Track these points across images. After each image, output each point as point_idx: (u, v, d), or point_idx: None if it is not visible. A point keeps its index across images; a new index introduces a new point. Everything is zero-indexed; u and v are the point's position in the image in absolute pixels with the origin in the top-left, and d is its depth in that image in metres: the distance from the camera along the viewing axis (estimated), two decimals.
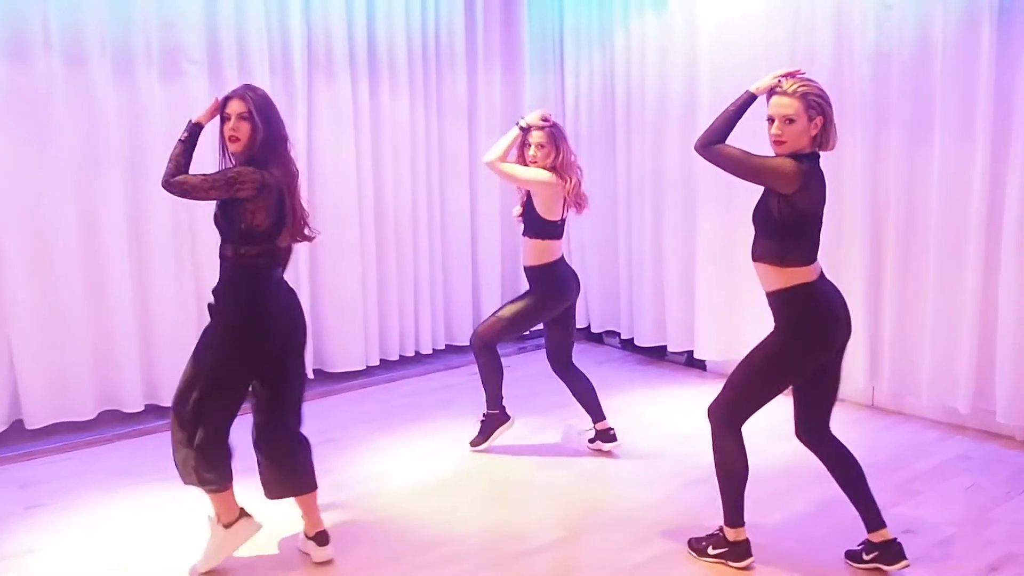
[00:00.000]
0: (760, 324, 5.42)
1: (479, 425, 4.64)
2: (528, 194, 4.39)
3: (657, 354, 6.29)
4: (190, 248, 5.25)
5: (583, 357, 6.43)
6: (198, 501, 3.89)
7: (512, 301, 4.59)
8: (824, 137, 3.14)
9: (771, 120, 3.12)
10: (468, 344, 6.33)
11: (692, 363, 6.09)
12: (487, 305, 6.59)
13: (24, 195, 4.73)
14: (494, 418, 4.61)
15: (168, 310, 5.20)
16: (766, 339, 3.28)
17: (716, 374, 5.89)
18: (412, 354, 6.31)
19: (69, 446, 4.80)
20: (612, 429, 4.61)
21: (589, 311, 6.81)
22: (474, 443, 4.62)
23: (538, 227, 4.38)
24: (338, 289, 5.85)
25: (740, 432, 3.34)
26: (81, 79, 4.81)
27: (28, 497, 4.14)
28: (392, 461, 4.55)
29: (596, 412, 4.60)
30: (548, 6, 6.70)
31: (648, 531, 3.71)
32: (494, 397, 4.58)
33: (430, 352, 6.36)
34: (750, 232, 5.43)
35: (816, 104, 3.08)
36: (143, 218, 5.11)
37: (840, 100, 5.00)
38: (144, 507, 4.04)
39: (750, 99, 3.23)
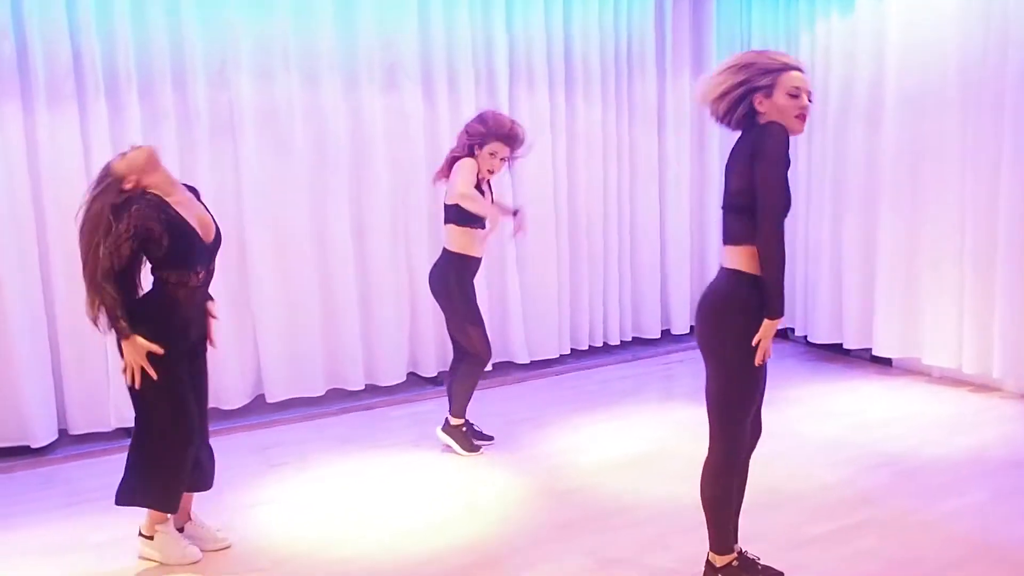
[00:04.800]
0: (941, 320, 5.51)
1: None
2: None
3: (842, 351, 6.37)
4: (405, 248, 5.86)
5: (774, 351, 6.62)
6: (401, 467, 4.56)
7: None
8: None
9: (797, 95, 2.92)
10: (652, 338, 6.68)
11: (877, 360, 6.14)
12: (675, 301, 6.91)
13: (267, 199, 5.44)
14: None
15: (386, 303, 5.82)
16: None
17: (903, 370, 5.95)
18: (601, 344, 6.70)
19: (302, 417, 5.50)
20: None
21: None
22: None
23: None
24: (535, 283, 6.32)
25: None
26: (313, 96, 5.49)
27: (271, 457, 4.82)
28: (584, 439, 4.95)
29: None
30: (736, 12, 6.91)
31: (824, 509, 3.93)
32: None
33: (618, 343, 6.73)
34: (935, 229, 5.50)
35: None
36: (365, 221, 5.75)
37: None
38: (361, 470, 4.63)
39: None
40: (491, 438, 4.91)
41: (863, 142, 5.93)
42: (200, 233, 3.45)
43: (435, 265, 4.73)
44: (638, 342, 6.88)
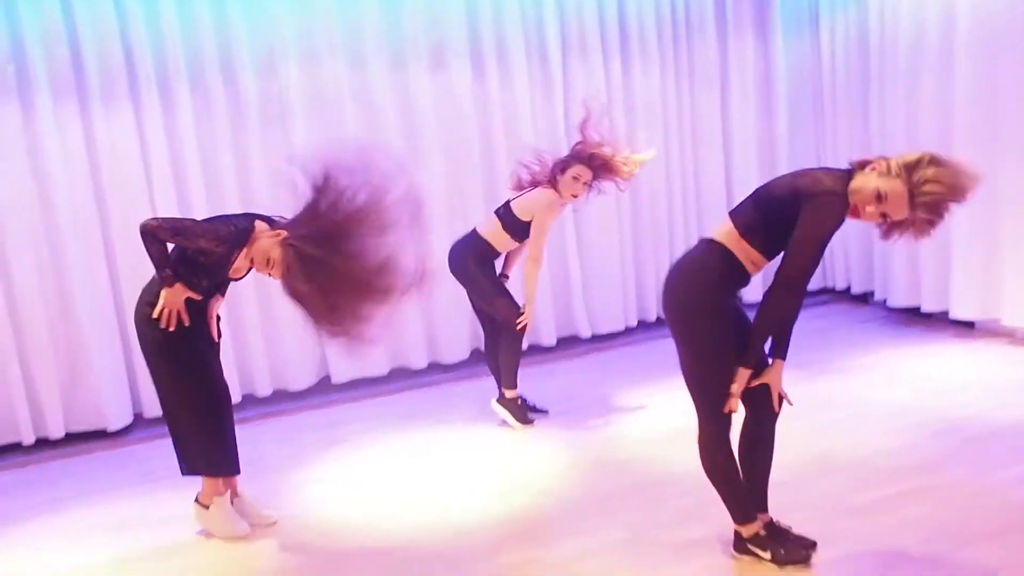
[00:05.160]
0: (1022, 278, 5.18)
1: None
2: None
3: (922, 315, 6.07)
4: (463, 226, 5.75)
5: (846, 318, 6.41)
6: (455, 443, 4.63)
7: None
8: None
9: (878, 202, 2.73)
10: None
11: (958, 323, 5.81)
12: None
13: None
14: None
15: (445, 282, 5.77)
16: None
17: (985, 332, 5.64)
18: None
19: (365, 396, 5.61)
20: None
21: (849, 271, 6.71)
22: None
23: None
24: (597, 256, 6.25)
25: None
26: (361, 79, 5.54)
27: (329, 437, 4.92)
28: (640, 411, 4.86)
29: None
30: None
31: (876, 476, 3.77)
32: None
33: None
34: (1014, 180, 5.13)
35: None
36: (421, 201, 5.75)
37: None
38: (416, 447, 4.68)
39: None
40: (545, 411, 4.90)
41: (934, 94, 5.61)
42: (231, 272, 3.59)
43: (457, 243, 4.78)
44: None
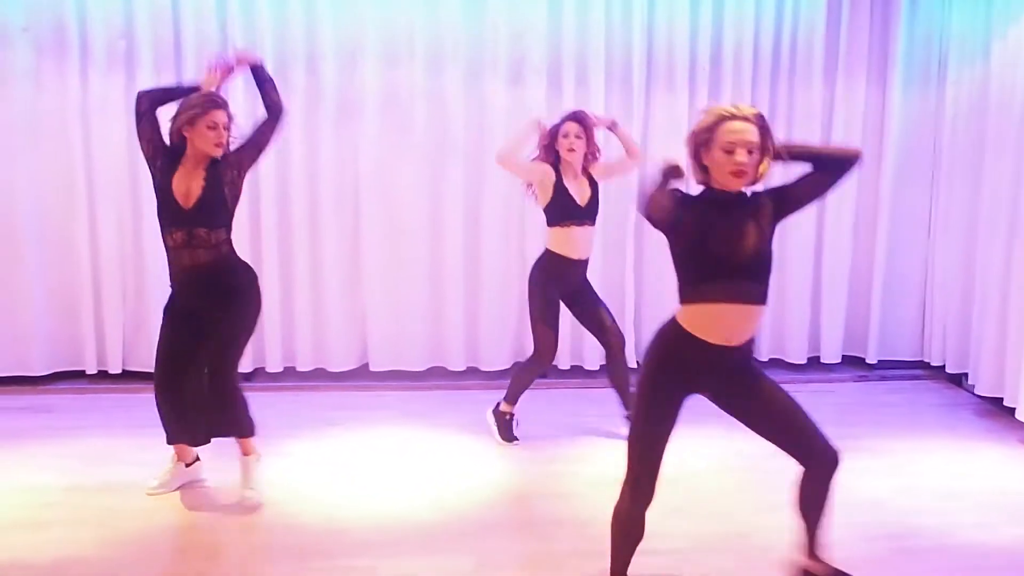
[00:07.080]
0: None
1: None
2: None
3: (1008, 408, 5.38)
4: (518, 240, 5.95)
5: (925, 396, 5.85)
6: (428, 445, 4.76)
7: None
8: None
9: (731, 150, 2.72)
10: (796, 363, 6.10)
11: None
12: (827, 323, 6.29)
13: (384, 179, 5.83)
14: None
15: (493, 287, 5.97)
16: None
17: None
18: None
19: (396, 387, 5.87)
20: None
21: (945, 349, 6.09)
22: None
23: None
24: (655, 288, 6.06)
25: None
26: (437, 85, 5.76)
27: (332, 418, 5.21)
28: (609, 451, 4.68)
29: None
30: (933, 6, 6.03)
31: (756, 565, 3.53)
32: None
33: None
34: None
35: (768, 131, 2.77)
36: (480, 206, 5.92)
37: None
38: (392, 442, 4.88)
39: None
40: (516, 439, 4.91)
41: None
42: (178, 197, 3.78)
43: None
44: (780, 364, 6.35)
